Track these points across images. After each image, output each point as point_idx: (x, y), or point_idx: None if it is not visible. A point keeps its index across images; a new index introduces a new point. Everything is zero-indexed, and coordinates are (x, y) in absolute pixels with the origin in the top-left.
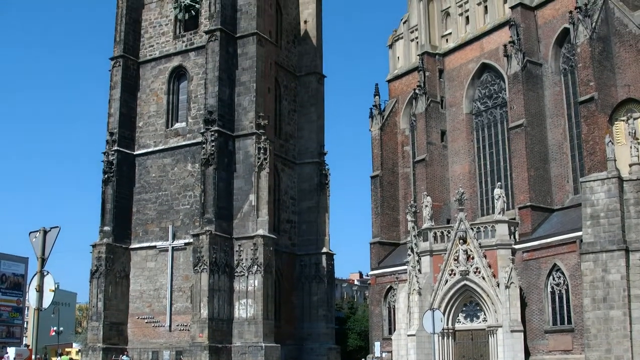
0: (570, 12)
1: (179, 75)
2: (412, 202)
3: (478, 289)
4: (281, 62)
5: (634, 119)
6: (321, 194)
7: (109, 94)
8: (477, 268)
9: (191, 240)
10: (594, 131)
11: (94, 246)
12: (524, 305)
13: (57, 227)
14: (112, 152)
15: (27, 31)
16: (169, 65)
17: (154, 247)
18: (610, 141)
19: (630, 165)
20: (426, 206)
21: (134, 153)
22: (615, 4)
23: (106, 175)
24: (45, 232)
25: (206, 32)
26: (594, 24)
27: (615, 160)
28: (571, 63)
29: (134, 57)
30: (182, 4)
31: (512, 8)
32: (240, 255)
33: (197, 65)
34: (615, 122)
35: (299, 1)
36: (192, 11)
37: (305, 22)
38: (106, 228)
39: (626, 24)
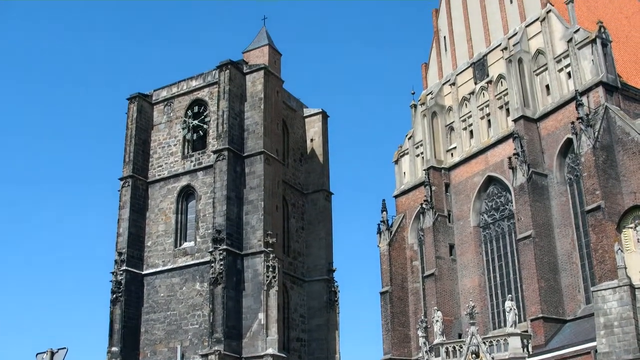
0: (573, 122)
1: (187, 194)
2: (422, 317)
3: None
4: (288, 180)
5: None
6: (331, 312)
7: (118, 213)
8: None
9: None
10: (603, 240)
11: None
12: None
13: (65, 348)
14: (121, 272)
15: (32, 152)
16: (178, 184)
17: None
18: (619, 249)
19: None
20: (437, 321)
21: (143, 272)
22: (617, 113)
23: (114, 295)
24: (52, 354)
25: (214, 152)
26: (596, 133)
27: (625, 268)
28: (576, 173)
29: (142, 177)
30: (190, 125)
31: (515, 121)
32: None
33: (205, 185)
34: (624, 230)
35: (305, 120)
36: (200, 131)
37: (312, 140)
38: (114, 349)
39: (628, 132)
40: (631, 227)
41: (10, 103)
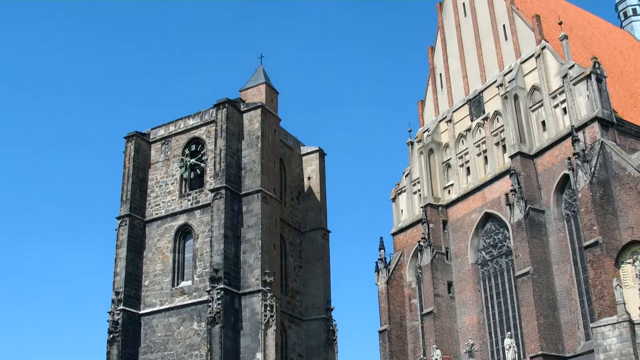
0: (569, 158)
1: (184, 233)
2: (421, 355)
3: None
4: (286, 219)
5: None
6: (329, 351)
7: (115, 252)
8: None
9: None
10: (601, 275)
11: None
12: None
13: None
14: (118, 312)
15: (30, 190)
16: (175, 223)
17: None
18: (618, 284)
19: None
20: (436, 359)
21: (140, 312)
22: (612, 148)
23: (111, 335)
24: None
25: (211, 190)
26: (593, 168)
27: (624, 304)
28: (573, 208)
29: (140, 216)
30: (188, 163)
31: (511, 157)
32: None
33: (202, 223)
34: (622, 265)
35: (302, 158)
36: (198, 170)
37: (309, 178)
38: None
39: (624, 167)
40: (629, 263)
41: (7, 140)
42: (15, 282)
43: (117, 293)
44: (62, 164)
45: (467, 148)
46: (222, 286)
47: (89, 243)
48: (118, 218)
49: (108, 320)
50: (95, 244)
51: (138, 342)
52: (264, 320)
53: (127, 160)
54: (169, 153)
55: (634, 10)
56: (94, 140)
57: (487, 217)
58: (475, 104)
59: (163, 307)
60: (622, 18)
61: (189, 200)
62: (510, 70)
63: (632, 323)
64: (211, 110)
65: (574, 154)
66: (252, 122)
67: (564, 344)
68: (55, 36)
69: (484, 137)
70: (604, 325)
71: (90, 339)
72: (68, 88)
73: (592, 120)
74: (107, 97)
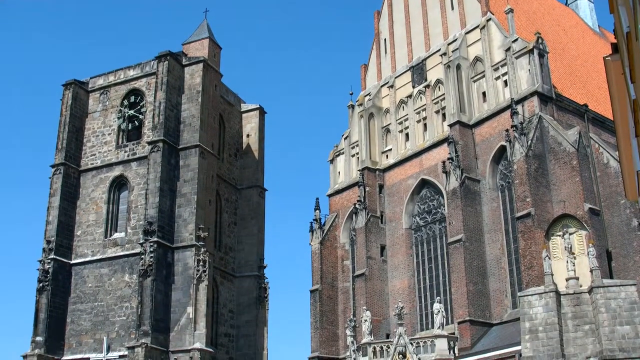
0: (507, 130)
1: (120, 184)
2: (351, 316)
3: None
4: (223, 175)
5: (570, 234)
6: (260, 308)
7: (48, 201)
8: None
9: (126, 352)
10: (531, 246)
11: (24, 357)
12: None
13: None
14: (49, 261)
15: None
16: (110, 174)
17: (87, 359)
18: (547, 256)
19: (567, 280)
20: (365, 321)
21: (71, 262)
22: (550, 123)
23: (41, 284)
24: None
25: (149, 143)
26: (529, 142)
27: (552, 275)
28: (508, 179)
29: (75, 165)
30: (126, 115)
31: (450, 126)
32: None
33: (138, 176)
34: (552, 237)
35: (242, 115)
36: (136, 122)
37: (248, 135)
38: (38, 338)
39: (560, 142)
40: (559, 235)
41: None
42: None
43: (48, 242)
44: None
45: (407, 114)
46: (155, 239)
47: (22, 191)
48: (52, 166)
49: (38, 269)
50: (28, 192)
51: (68, 292)
52: (196, 275)
53: (64, 108)
54: (107, 103)
55: None
56: (30, 85)
57: (423, 184)
58: (418, 71)
59: (95, 258)
60: None
61: (125, 151)
62: (455, 40)
63: (558, 294)
64: (152, 63)
65: (512, 126)
66: (193, 76)
67: (492, 311)
68: None
69: (425, 104)
70: (531, 295)
71: (19, 287)
72: (7, 33)
73: (532, 94)
74: (46, 43)
